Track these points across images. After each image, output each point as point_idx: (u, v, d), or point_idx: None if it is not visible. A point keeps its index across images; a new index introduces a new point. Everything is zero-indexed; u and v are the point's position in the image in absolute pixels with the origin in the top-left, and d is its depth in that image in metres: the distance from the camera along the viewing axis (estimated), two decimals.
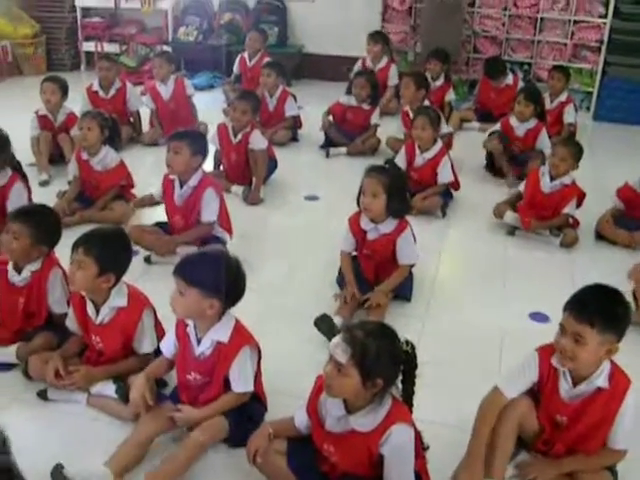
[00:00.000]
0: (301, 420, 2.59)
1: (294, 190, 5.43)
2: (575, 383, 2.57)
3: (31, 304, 3.28)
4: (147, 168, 5.59)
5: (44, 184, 5.30)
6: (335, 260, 3.93)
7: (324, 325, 3.46)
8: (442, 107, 6.48)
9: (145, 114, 6.42)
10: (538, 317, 3.80)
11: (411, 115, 5.73)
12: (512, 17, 7.85)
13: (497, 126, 5.77)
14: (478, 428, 2.61)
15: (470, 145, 6.11)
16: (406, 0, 8.08)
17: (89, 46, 8.78)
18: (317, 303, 3.74)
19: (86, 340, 3.14)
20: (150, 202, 4.48)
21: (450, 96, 6.93)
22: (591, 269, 4.27)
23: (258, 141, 5.16)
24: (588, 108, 7.77)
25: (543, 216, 4.67)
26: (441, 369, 3.26)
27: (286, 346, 3.41)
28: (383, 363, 2.31)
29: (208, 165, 4.98)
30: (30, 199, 4.31)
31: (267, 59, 7.04)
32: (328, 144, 6.20)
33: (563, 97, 6.50)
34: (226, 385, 2.79)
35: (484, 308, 3.90)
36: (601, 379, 2.52)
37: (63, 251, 3.31)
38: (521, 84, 7.07)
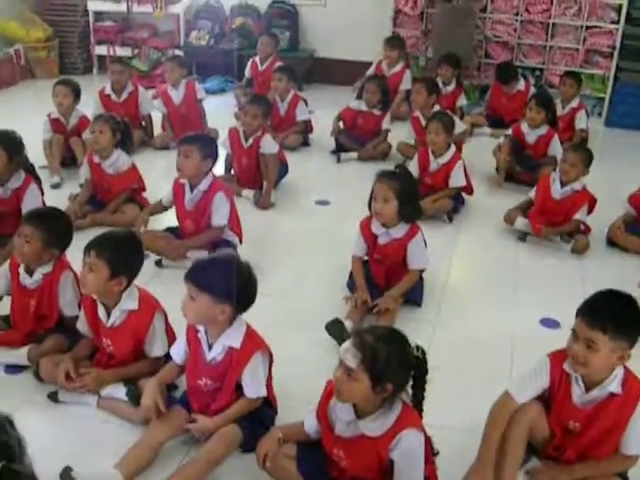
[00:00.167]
0: (311, 425, 2.59)
1: (305, 194, 5.44)
2: (587, 389, 2.56)
3: (42, 306, 3.30)
4: (158, 172, 5.61)
5: (56, 187, 5.32)
6: (346, 264, 3.93)
7: (335, 329, 3.46)
8: (453, 112, 6.47)
9: (157, 118, 6.45)
10: (549, 323, 3.79)
11: (422, 120, 5.74)
12: (524, 22, 7.83)
13: (508, 132, 5.75)
14: (488, 433, 2.61)
15: (481, 150, 6.09)
16: (417, 5, 8.07)
17: (101, 50, 8.80)
18: (328, 307, 3.74)
19: (97, 343, 3.15)
20: (158, 209, 4.48)
21: (461, 101, 6.93)
22: (602, 276, 4.25)
23: (269, 145, 5.17)
24: (600, 114, 7.74)
25: (554, 222, 4.66)
26: (451, 374, 3.25)
27: (297, 350, 3.41)
28: (393, 368, 2.31)
29: (219, 169, 5.00)
30: (43, 201, 4.33)
31: (279, 63, 7.05)
32: (339, 149, 6.21)
33: (575, 103, 6.48)
34: (237, 390, 2.80)
35: (495, 314, 3.89)
36: (614, 385, 2.52)
37: (74, 254, 3.33)
38: (533, 90, 7.06)
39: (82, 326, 3.18)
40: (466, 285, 4.24)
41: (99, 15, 8.89)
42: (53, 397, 3.09)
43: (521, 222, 4.73)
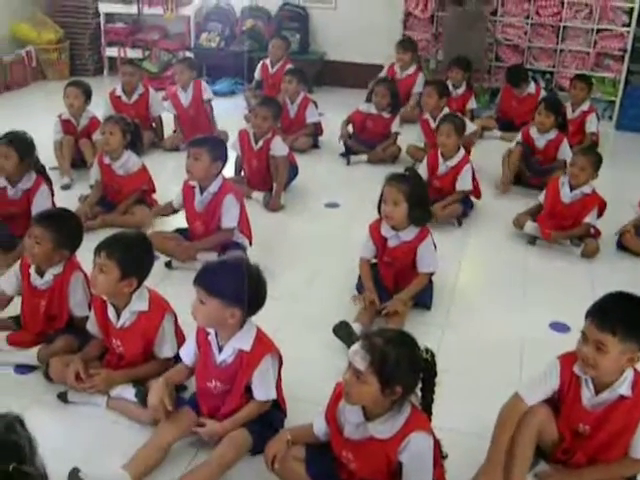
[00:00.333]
0: (320, 427, 2.60)
1: (314, 197, 5.44)
2: (597, 391, 2.56)
3: (53, 307, 3.31)
4: (168, 173, 5.62)
5: (66, 188, 5.35)
6: (355, 267, 3.93)
7: (343, 332, 3.46)
8: (464, 115, 6.45)
9: (167, 119, 6.47)
10: (558, 327, 3.78)
11: (431, 123, 5.74)
12: (534, 25, 7.82)
13: (518, 137, 5.72)
14: (498, 434, 2.61)
15: (491, 154, 6.07)
16: (428, 8, 8.06)
17: (112, 51, 8.83)
18: (336, 310, 3.74)
19: (106, 344, 3.16)
20: (168, 211, 4.49)
21: (472, 104, 6.92)
22: (612, 280, 4.23)
23: (279, 147, 5.18)
24: (610, 117, 7.72)
25: (564, 226, 4.64)
26: (460, 378, 3.24)
27: (306, 353, 3.41)
28: (402, 371, 2.31)
29: (229, 171, 5.00)
30: (53, 202, 4.35)
31: (289, 66, 7.07)
32: (348, 153, 6.21)
33: (585, 106, 6.47)
34: (246, 393, 2.80)
35: (504, 317, 3.88)
36: (624, 387, 2.51)
37: (84, 254, 3.34)
38: (543, 93, 7.05)
39: (92, 327, 3.19)
40: (475, 288, 4.23)
41: (110, 17, 8.93)
42: (63, 397, 3.10)
43: (530, 226, 4.72)
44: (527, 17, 7.80)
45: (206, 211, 4.21)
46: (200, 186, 4.19)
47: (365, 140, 6.21)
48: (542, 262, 4.54)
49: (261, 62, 7.48)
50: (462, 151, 5.06)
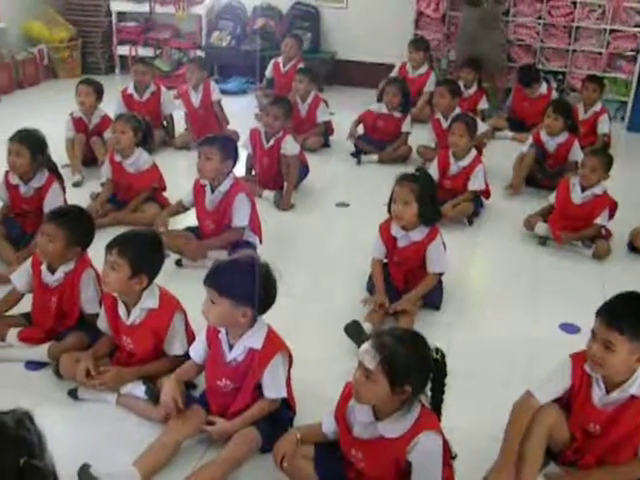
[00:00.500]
0: (329, 426, 2.60)
1: (325, 196, 5.44)
2: (608, 390, 2.55)
3: (63, 304, 3.32)
4: (178, 172, 5.63)
5: (77, 185, 5.36)
6: (365, 267, 3.93)
7: (353, 331, 3.46)
8: (475, 115, 6.45)
9: (179, 117, 6.48)
10: (569, 328, 3.77)
11: (443, 123, 5.73)
12: (547, 26, 7.79)
13: (530, 140, 5.68)
14: (510, 432, 2.61)
15: (502, 154, 6.06)
16: (440, 7, 8.05)
17: (124, 50, 8.85)
18: (347, 309, 3.74)
19: (117, 341, 3.17)
20: (179, 210, 4.49)
21: (483, 104, 6.91)
22: (623, 281, 4.18)
23: (290, 146, 5.18)
24: (623, 118, 7.68)
25: (575, 227, 4.63)
26: (470, 378, 3.24)
27: (315, 352, 3.41)
28: (412, 370, 2.32)
29: (240, 170, 5.01)
30: (65, 200, 4.37)
31: (301, 65, 7.08)
32: (358, 152, 6.20)
33: (597, 107, 6.44)
34: (256, 391, 2.80)
35: (514, 318, 3.87)
36: (635, 387, 2.50)
37: (95, 252, 3.36)
38: (555, 94, 7.03)
39: (102, 324, 3.21)
40: (486, 289, 4.22)
41: (122, 15, 8.94)
42: (73, 394, 3.11)
43: (541, 227, 4.70)
44: (539, 17, 7.78)
45: (216, 210, 4.22)
46: (211, 185, 4.20)
47: (376, 140, 6.21)
48: (553, 263, 4.53)
49: (273, 60, 7.48)
50: (474, 151, 5.05)
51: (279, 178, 5.25)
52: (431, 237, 3.78)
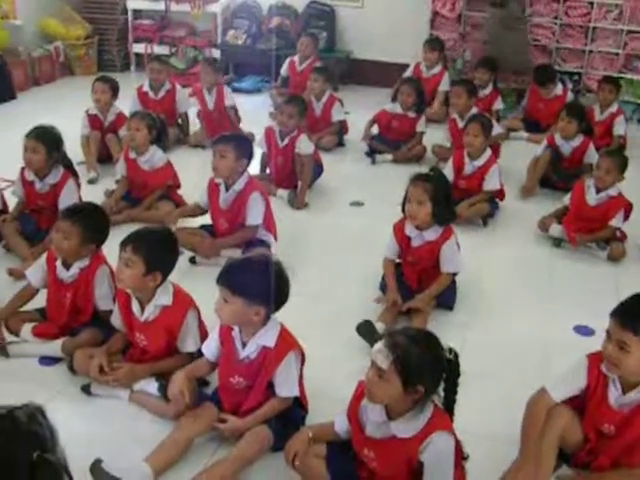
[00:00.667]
0: (341, 425, 2.60)
1: (339, 195, 5.43)
2: (625, 391, 2.54)
3: (78, 300, 3.34)
4: (193, 170, 5.62)
5: (92, 182, 5.39)
6: (379, 266, 3.92)
7: (366, 331, 3.46)
8: (490, 116, 6.43)
9: (194, 116, 6.49)
10: (583, 330, 3.75)
11: (459, 123, 5.71)
12: (563, 26, 7.74)
13: (545, 142, 5.65)
14: (527, 430, 2.62)
15: (517, 155, 6.03)
16: (455, 7, 8.02)
17: (139, 48, 8.87)
18: (360, 309, 3.74)
19: (130, 337, 3.18)
20: (196, 212, 4.48)
21: (498, 105, 6.87)
22: (638, 283, 4.15)
23: (305, 145, 5.18)
24: (639, 120, 7.63)
25: (589, 229, 4.60)
26: (483, 379, 3.23)
27: (328, 351, 3.41)
28: (425, 370, 2.31)
29: (254, 168, 5.01)
30: (80, 197, 4.39)
31: (318, 64, 7.08)
32: (373, 152, 6.20)
33: (613, 109, 6.40)
34: (268, 389, 2.81)
35: (528, 320, 3.86)
36: None
37: (109, 248, 3.37)
38: (570, 95, 6.99)
39: (116, 320, 3.22)
40: (499, 290, 4.20)
41: (138, 13, 8.97)
42: (86, 390, 3.13)
43: (556, 229, 4.68)
44: (556, 17, 7.73)
45: (230, 209, 4.23)
46: (225, 184, 4.21)
47: (390, 140, 6.19)
48: (567, 265, 4.51)
49: (288, 59, 7.48)
50: (489, 151, 5.04)
51: (293, 177, 5.25)
52: (445, 237, 3.78)
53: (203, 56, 8.55)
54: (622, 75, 7.44)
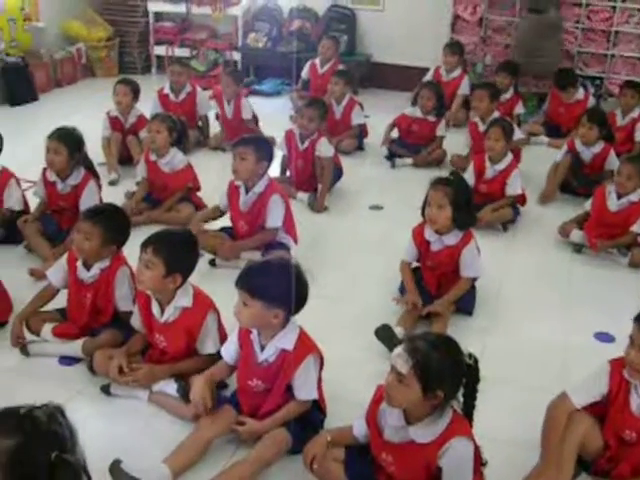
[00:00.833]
0: (360, 429, 2.59)
1: (358, 199, 5.43)
2: None
3: (98, 301, 3.35)
4: (212, 172, 5.65)
5: (113, 184, 5.41)
6: (398, 270, 3.91)
7: (385, 335, 3.45)
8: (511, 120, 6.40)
9: (214, 118, 6.51)
10: (603, 337, 3.72)
11: (480, 126, 5.69)
12: (585, 30, 7.69)
13: (565, 147, 5.61)
14: (547, 433, 2.61)
15: (538, 160, 5.99)
16: (477, 11, 8.00)
17: (160, 50, 8.90)
18: (379, 313, 3.73)
19: (150, 339, 3.19)
20: (216, 215, 4.48)
21: (519, 109, 6.84)
22: None
23: (325, 148, 5.18)
24: None
25: (611, 234, 4.56)
26: (502, 384, 3.22)
27: (346, 354, 3.41)
28: (444, 375, 2.31)
29: (274, 171, 5.02)
30: (100, 198, 4.41)
31: (340, 67, 7.09)
32: (392, 155, 6.19)
33: (635, 114, 6.34)
34: (287, 392, 2.81)
35: (548, 326, 3.83)
36: None
37: (129, 249, 3.39)
38: (592, 99, 6.94)
39: (136, 322, 3.23)
40: (519, 295, 4.17)
41: (159, 16, 9.01)
42: (105, 390, 3.15)
43: (577, 234, 4.65)
44: (577, 22, 7.68)
45: (250, 211, 4.23)
46: (245, 186, 4.21)
47: (410, 144, 6.18)
48: (588, 271, 4.47)
49: (309, 62, 7.48)
50: (510, 155, 5.01)
51: (313, 180, 5.25)
52: (465, 241, 3.76)
53: (224, 59, 8.58)
54: None
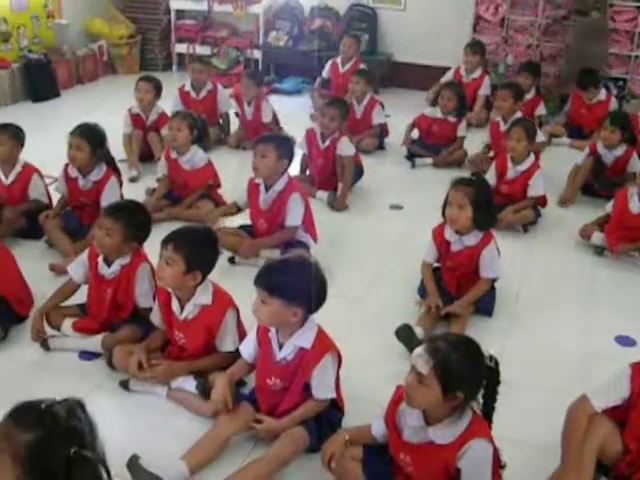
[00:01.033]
0: (378, 429, 2.59)
1: (379, 198, 5.42)
2: None
3: (118, 296, 3.37)
4: (233, 170, 5.67)
5: (133, 180, 5.44)
6: (417, 270, 3.90)
7: (404, 335, 3.44)
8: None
9: (234, 116, 6.52)
10: (624, 341, 3.69)
11: (501, 126, 5.67)
12: (609, 31, 7.61)
13: (587, 150, 5.57)
14: (568, 436, 2.59)
15: (559, 161, 5.96)
16: (499, 11, 7.97)
17: (181, 48, 8.95)
18: (398, 312, 3.72)
19: (169, 335, 3.20)
20: (233, 211, 4.49)
21: (540, 110, 6.80)
22: None
23: (346, 147, 5.17)
24: None
25: (632, 237, 4.52)
26: (521, 386, 3.19)
27: (365, 354, 3.41)
28: (465, 377, 2.29)
29: (294, 169, 5.01)
30: (121, 194, 4.43)
31: (362, 66, 7.09)
32: (412, 155, 6.17)
33: None
34: (305, 391, 2.80)
35: (568, 328, 3.81)
36: None
37: (149, 246, 3.40)
38: (614, 101, 6.89)
39: (155, 318, 3.24)
40: (539, 297, 4.15)
41: (180, 13, 9.04)
42: (124, 385, 3.16)
43: (598, 237, 4.61)
44: None
45: (270, 209, 4.23)
46: (265, 184, 4.21)
47: (431, 144, 6.16)
48: (609, 273, 4.44)
49: (331, 61, 7.47)
50: (532, 156, 4.98)
51: (334, 179, 5.25)
52: (485, 242, 3.74)
53: (245, 57, 8.60)
54: None
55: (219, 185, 5.03)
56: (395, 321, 3.53)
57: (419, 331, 3.48)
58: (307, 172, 5.47)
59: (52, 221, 4.39)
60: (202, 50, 8.74)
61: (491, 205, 3.85)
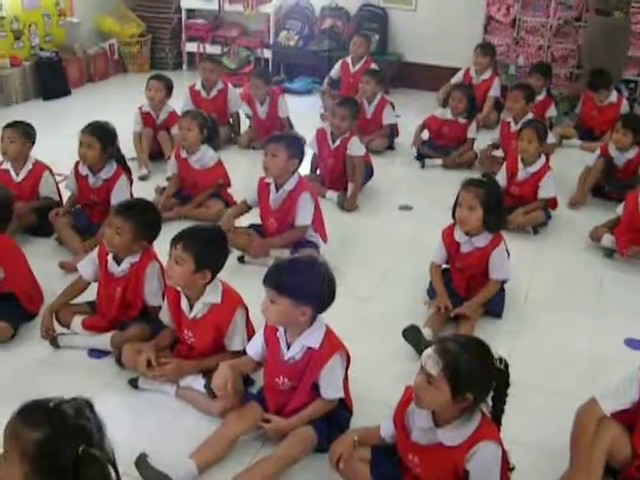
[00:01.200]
0: (387, 430, 2.58)
1: (388, 199, 5.41)
2: None
3: (128, 295, 3.37)
4: (243, 169, 5.67)
5: (143, 179, 5.45)
6: (426, 271, 3.90)
7: (413, 336, 3.43)
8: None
9: (244, 115, 6.52)
10: (634, 344, 3.68)
11: (512, 126, 5.66)
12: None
13: (598, 152, 5.55)
14: (576, 438, 2.58)
15: (569, 163, 5.94)
16: (510, 12, 7.95)
17: (192, 47, 8.96)
18: (406, 313, 3.72)
19: (178, 334, 3.20)
20: (242, 209, 4.48)
21: (551, 112, 6.78)
22: None
23: (356, 147, 5.17)
24: None
25: None
26: (530, 388, 3.18)
27: (373, 354, 3.40)
28: (474, 378, 2.29)
29: (304, 169, 5.01)
30: (131, 193, 4.44)
31: (372, 65, 7.08)
32: (422, 156, 6.16)
33: None
34: (313, 390, 2.80)
35: (578, 330, 3.80)
36: None
37: (159, 245, 3.40)
38: (625, 103, 6.86)
39: (165, 317, 3.24)
40: (549, 299, 4.13)
41: (191, 13, 9.06)
42: (133, 383, 3.16)
43: (608, 239, 4.59)
44: None
45: (280, 208, 4.23)
46: (276, 183, 4.21)
47: (441, 146, 6.15)
48: (619, 276, 4.42)
49: (341, 60, 7.45)
50: (543, 157, 4.96)
51: (344, 179, 5.24)
52: (495, 243, 3.74)
53: (255, 56, 8.60)
54: None
55: (229, 184, 5.03)
56: (403, 321, 3.52)
57: (427, 332, 3.47)
58: (317, 172, 5.47)
59: (62, 219, 4.40)
60: (212, 49, 8.76)
61: (501, 207, 3.83)
